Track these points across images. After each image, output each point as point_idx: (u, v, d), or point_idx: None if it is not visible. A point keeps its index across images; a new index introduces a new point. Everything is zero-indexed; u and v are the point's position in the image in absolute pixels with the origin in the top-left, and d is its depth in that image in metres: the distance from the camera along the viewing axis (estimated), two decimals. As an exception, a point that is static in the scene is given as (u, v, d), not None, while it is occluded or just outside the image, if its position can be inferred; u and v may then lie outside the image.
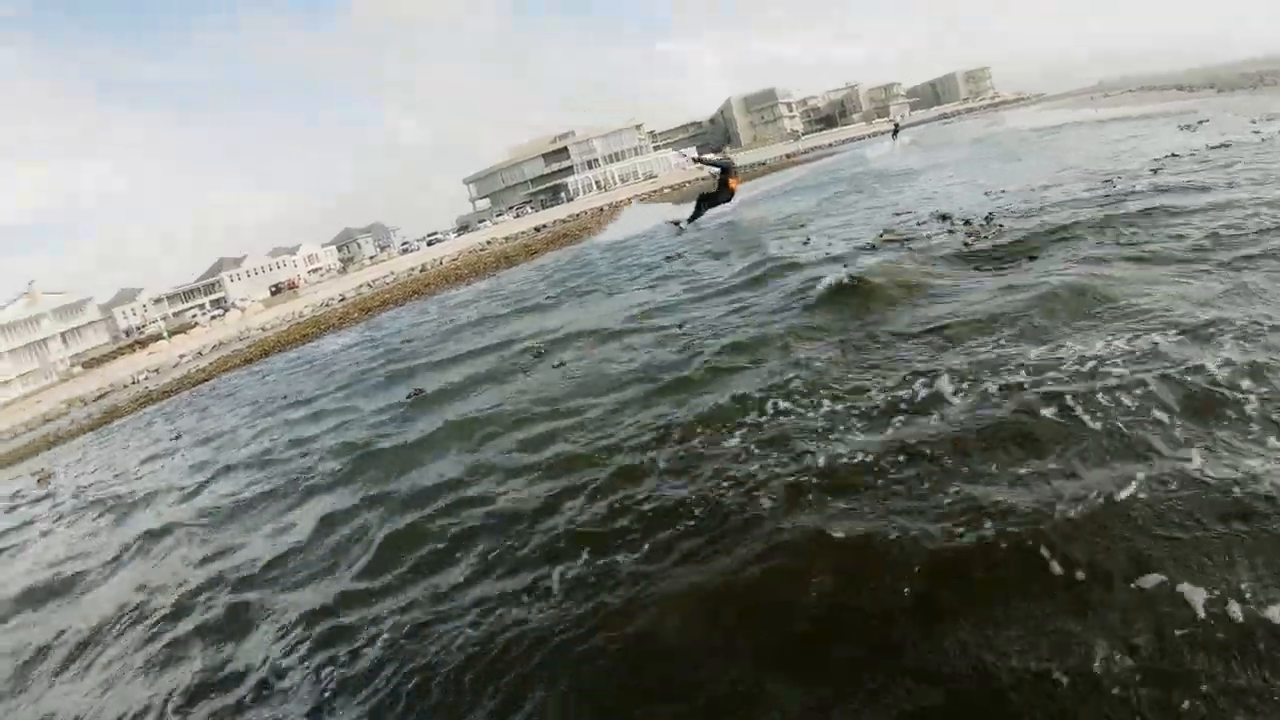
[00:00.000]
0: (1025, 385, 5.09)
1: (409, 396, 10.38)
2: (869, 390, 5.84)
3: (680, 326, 9.59)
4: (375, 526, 6.41)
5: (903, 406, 5.38)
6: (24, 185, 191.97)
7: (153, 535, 8.71)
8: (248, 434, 12.85)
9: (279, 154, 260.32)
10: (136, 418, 24.31)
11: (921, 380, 5.69)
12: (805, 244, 12.93)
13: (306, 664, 4.69)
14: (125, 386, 49.64)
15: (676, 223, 23.82)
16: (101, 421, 27.01)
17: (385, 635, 4.59)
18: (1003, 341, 6.03)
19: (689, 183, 74.88)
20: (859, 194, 20.30)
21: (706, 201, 23.08)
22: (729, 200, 22.77)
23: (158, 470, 12.79)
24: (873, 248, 10.99)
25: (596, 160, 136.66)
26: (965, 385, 5.40)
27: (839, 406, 5.68)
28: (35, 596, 8.34)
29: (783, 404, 6.04)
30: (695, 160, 24.45)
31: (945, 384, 5.48)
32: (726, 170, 22.60)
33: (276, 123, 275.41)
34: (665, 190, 65.97)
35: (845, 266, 9.75)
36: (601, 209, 62.28)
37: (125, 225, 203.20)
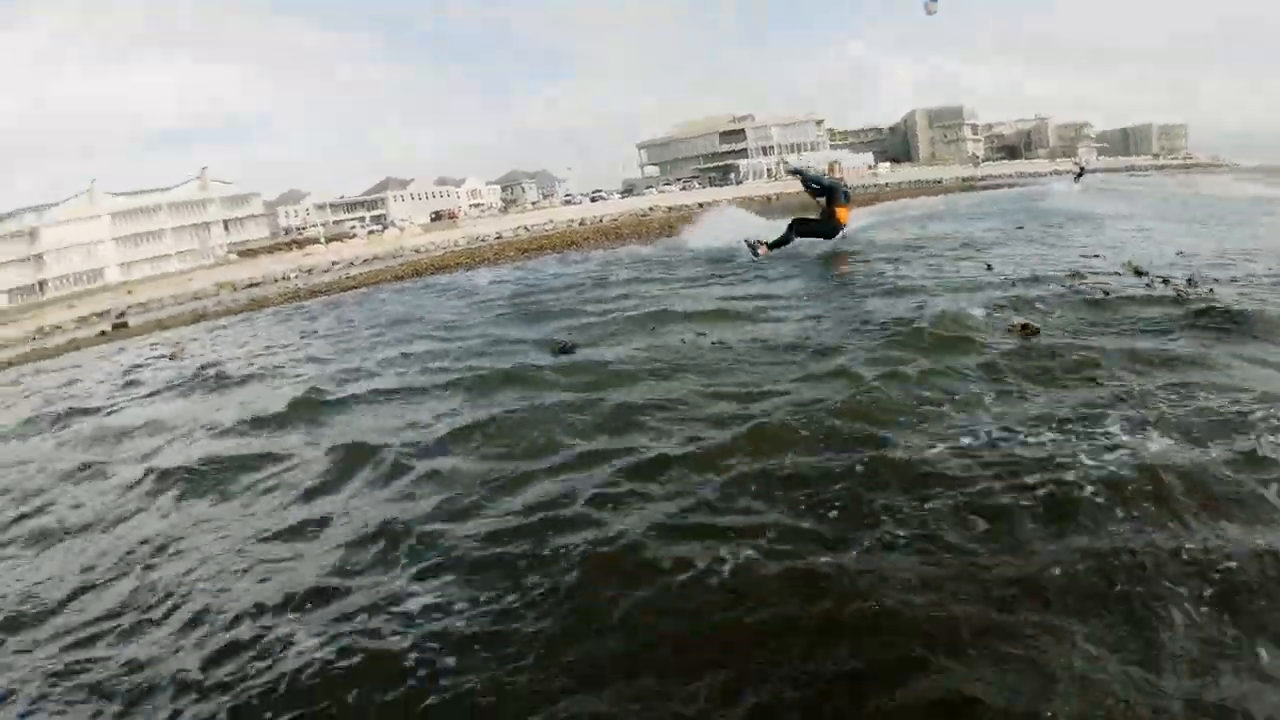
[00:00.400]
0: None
1: (558, 350, 9.79)
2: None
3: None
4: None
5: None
6: (214, 87, 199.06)
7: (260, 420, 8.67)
8: (379, 340, 13.15)
9: (458, 88, 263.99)
10: (280, 310, 24.58)
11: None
12: (989, 269, 11.91)
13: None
14: (275, 280, 50.99)
15: (754, 246, 17.10)
16: (247, 308, 27.54)
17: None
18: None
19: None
20: (1042, 230, 18.81)
21: (801, 226, 17.16)
22: (832, 234, 17.14)
23: (285, 359, 12.98)
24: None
25: (771, 148, 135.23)
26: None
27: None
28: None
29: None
30: (791, 173, 19.54)
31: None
32: (832, 194, 16.86)
33: (460, 58, 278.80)
34: (758, 200, 63.67)
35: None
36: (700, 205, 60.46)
37: (302, 134, 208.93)
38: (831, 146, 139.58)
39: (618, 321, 10.89)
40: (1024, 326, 7.61)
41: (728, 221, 23.85)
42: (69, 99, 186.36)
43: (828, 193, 16.83)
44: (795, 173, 18.27)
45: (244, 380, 11.50)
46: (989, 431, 5.19)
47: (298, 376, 10.92)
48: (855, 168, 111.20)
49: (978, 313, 8.34)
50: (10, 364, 29.43)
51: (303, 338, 15.75)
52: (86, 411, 11.65)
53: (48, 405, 13.25)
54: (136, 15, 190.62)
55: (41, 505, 7.27)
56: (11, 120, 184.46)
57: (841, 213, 17.01)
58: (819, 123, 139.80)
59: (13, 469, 8.98)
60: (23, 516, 7.08)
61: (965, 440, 5.09)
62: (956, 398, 5.93)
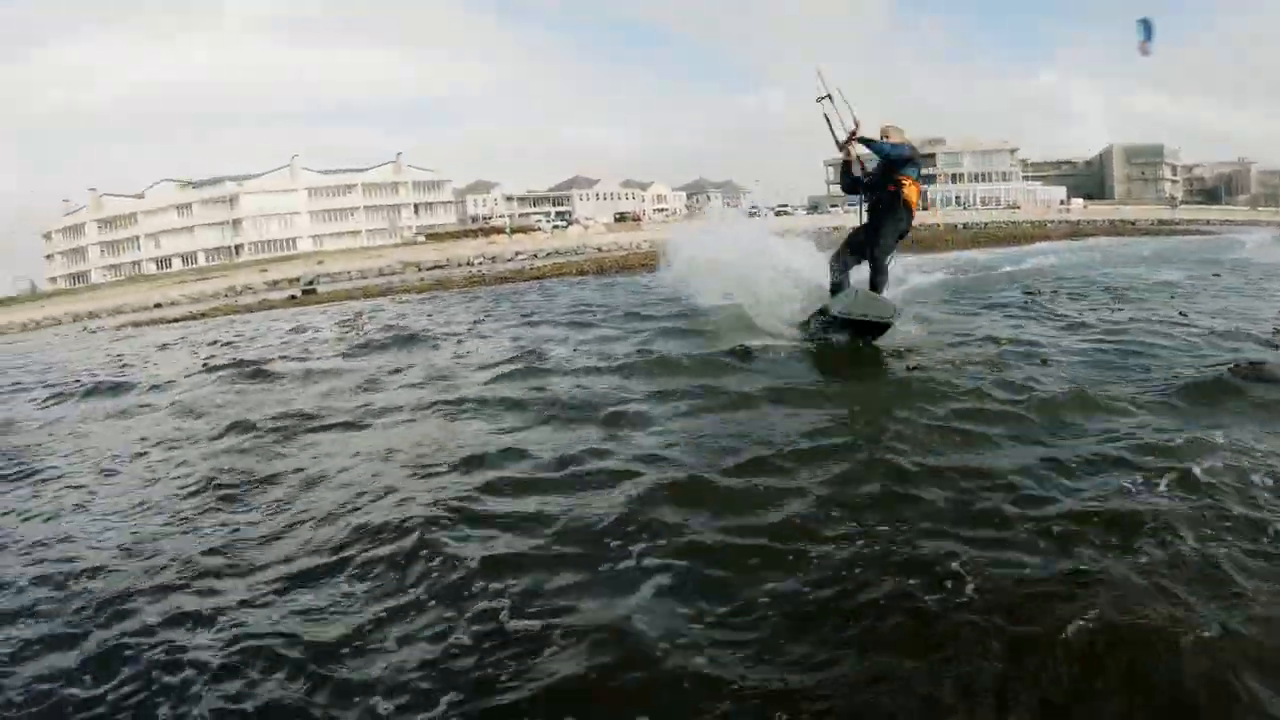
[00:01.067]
0: None
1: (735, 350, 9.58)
2: None
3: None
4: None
5: None
6: (417, 72, 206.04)
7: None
8: (555, 333, 13.11)
9: (650, 91, 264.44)
10: (462, 294, 24.66)
11: None
12: (1183, 316, 10.99)
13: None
14: (460, 265, 51.92)
15: (812, 319, 10.40)
16: (429, 288, 27.78)
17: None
18: None
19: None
20: (1240, 281, 16.97)
21: (856, 253, 10.81)
22: (907, 230, 10.88)
23: (483, 331, 13.55)
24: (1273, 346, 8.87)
25: (962, 175, 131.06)
26: None
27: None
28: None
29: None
30: (848, 142, 10.45)
31: None
32: (903, 165, 10.49)
33: (653, 61, 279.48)
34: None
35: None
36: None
37: (497, 125, 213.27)
38: (1024, 178, 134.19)
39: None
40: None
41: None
42: (274, 68, 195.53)
43: (898, 162, 10.40)
44: (854, 143, 10.34)
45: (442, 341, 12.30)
46: None
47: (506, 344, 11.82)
48: (1047, 202, 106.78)
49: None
50: (204, 315, 30.64)
51: (488, 318, 15.65)
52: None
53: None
54: (348, 8, 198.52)
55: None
56: (217, 89, 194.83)
57: (910, 192, 10.43)
58: (1012, 152, 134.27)
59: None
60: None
61: None
62: None
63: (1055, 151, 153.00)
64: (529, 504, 5.00)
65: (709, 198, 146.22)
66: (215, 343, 18.59)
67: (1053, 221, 71.11)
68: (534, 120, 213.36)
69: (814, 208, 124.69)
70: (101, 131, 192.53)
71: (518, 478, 5.51)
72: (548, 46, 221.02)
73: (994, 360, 8.40)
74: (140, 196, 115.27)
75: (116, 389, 12.06)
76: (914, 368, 8.32)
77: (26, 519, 6.01)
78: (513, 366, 9.80)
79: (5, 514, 6.20)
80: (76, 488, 6.68)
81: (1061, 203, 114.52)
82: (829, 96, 10.51)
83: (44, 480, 7.09)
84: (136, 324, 36.17)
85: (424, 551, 4.35)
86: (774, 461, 5.42)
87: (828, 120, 10.58)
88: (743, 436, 6.11)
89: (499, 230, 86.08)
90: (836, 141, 10.60)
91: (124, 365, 16.20)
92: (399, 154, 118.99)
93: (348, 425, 7.74)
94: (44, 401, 12.14)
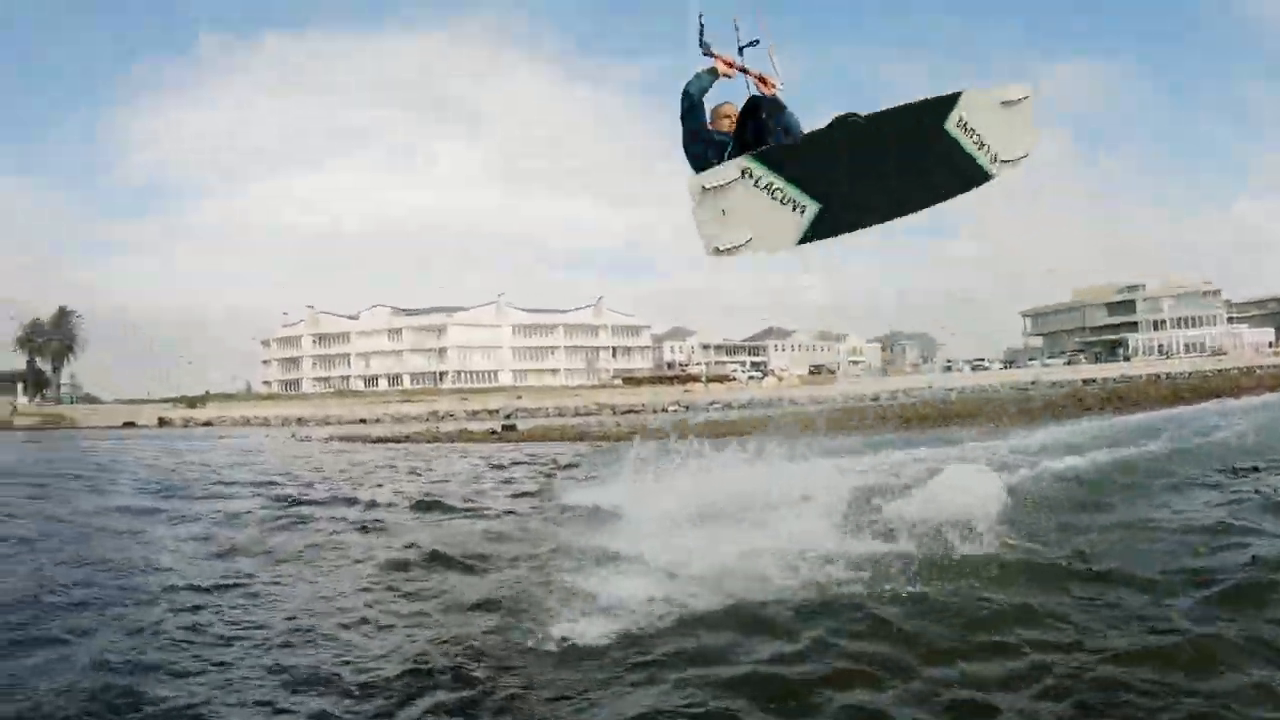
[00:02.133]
0: None
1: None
2: None
3: None
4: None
5: None
6: (625, 220, 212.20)
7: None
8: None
9: (841, 240, 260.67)
10: (664, 443, 24.10)
11: None
12: None
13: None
14: (655, 411, 52.10)
15: None
16: (625, 435, 27.47)
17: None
18: None
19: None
20: None
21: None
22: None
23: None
24: None
25: (1163, 321, 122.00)
26: None
27: None
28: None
29: None
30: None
31: None
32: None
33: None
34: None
35: None
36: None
37: (696, 274, 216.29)
38: (1229, 320, 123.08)
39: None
40: None
41: None
42: (481, 212, 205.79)
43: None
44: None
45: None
46: None
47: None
48: (1255, 345, 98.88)
49: None
50: (408, 439, 31.49)
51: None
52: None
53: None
54: (557, 152, 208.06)
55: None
56: (431, 225, 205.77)
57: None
58: (1215, 293, 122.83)
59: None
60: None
61: None
62: None
63: (1260, 288, 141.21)
64: None
65: (903, 350, 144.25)
66: (415, 472, 18.88)
67: (1262, 367, 64.21)
68: (731, 268, 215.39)
69: (1010, 361, 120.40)
70: (322, 253, 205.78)
71: None
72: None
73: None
74: (355, 317, 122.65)
75: (351, 502, 12.40)
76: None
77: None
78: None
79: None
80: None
81: (1270, 345, 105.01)
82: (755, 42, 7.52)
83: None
84: (345, 438, 37.63)
85: None
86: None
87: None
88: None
89: (695, 378, 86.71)
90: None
91: (348, 480, 16.55)
92: (600, 298, 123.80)
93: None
94: (285, 504, 12.83)
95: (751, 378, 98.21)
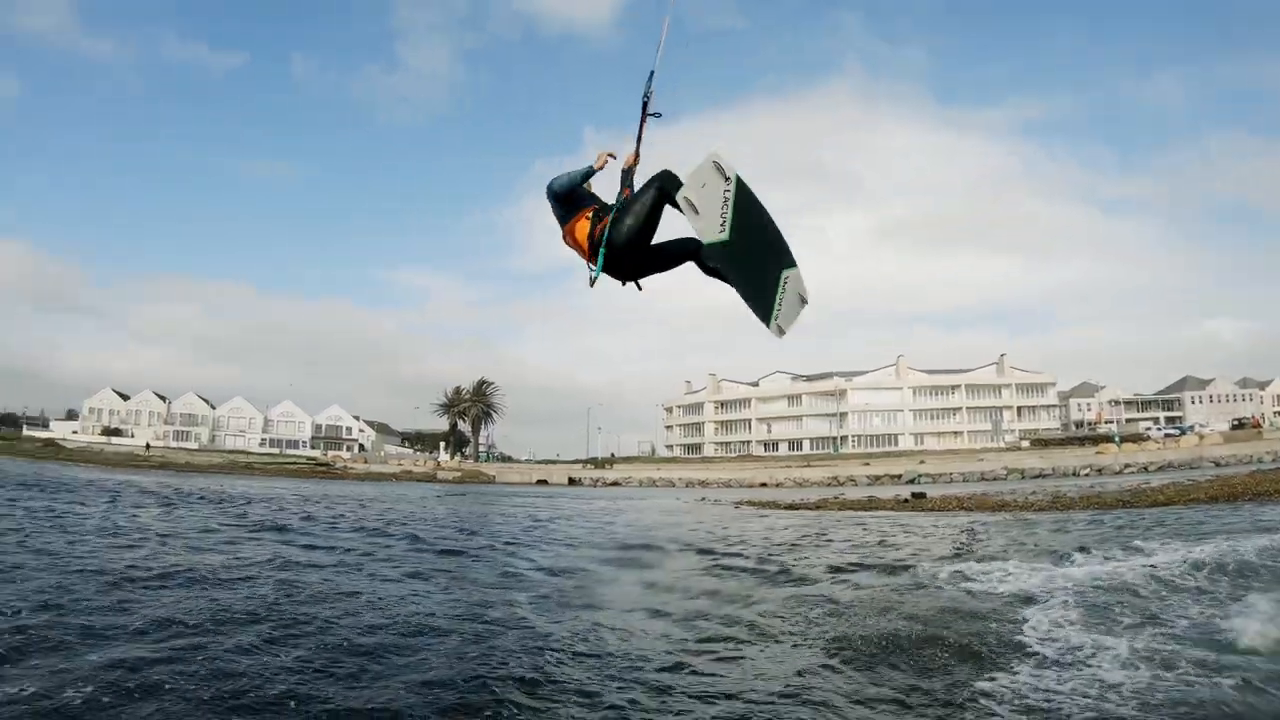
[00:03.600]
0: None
1: None
2: None
3: None
4: None
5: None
6: (1023, 274, 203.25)
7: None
8: None
9: (1257, 272, 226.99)
10: (1097, 517, 22.68)
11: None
12: None
13: None
14: (1065, 475, 49.82)
15: None
16: (1050, 506, 26.27)
17: None
18: None
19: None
20: None
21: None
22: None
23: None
24: None
25: None
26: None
27: None
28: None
29: None
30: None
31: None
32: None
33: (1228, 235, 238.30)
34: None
35: None
36: None
37: (1101, 326, 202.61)
38: None
39: None
40: None
41: None
42: (869, 274, 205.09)
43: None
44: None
45: None
46: None
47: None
48: None
49: None
50: (818, 507, 32.15)
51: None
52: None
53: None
54: (955, 217, 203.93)
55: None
56: (826, 289, 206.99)
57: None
58: None
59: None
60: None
61: None
62: None
63: None
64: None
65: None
66: (853, 543, 18.53)
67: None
68: (1142, 316, 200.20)
69: None
70: (720, 327, 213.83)
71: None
72: (1157, 239, 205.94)
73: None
74: (755, 384, 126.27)
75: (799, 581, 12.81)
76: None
77: None
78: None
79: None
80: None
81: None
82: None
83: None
84: (751, 503, 38.88)
85: None
86: None
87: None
88: None
89: (1106, 439, 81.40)
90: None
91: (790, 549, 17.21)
92: (1002, 355, 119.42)
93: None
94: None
95: (1168, 435, 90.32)
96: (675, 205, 6.43)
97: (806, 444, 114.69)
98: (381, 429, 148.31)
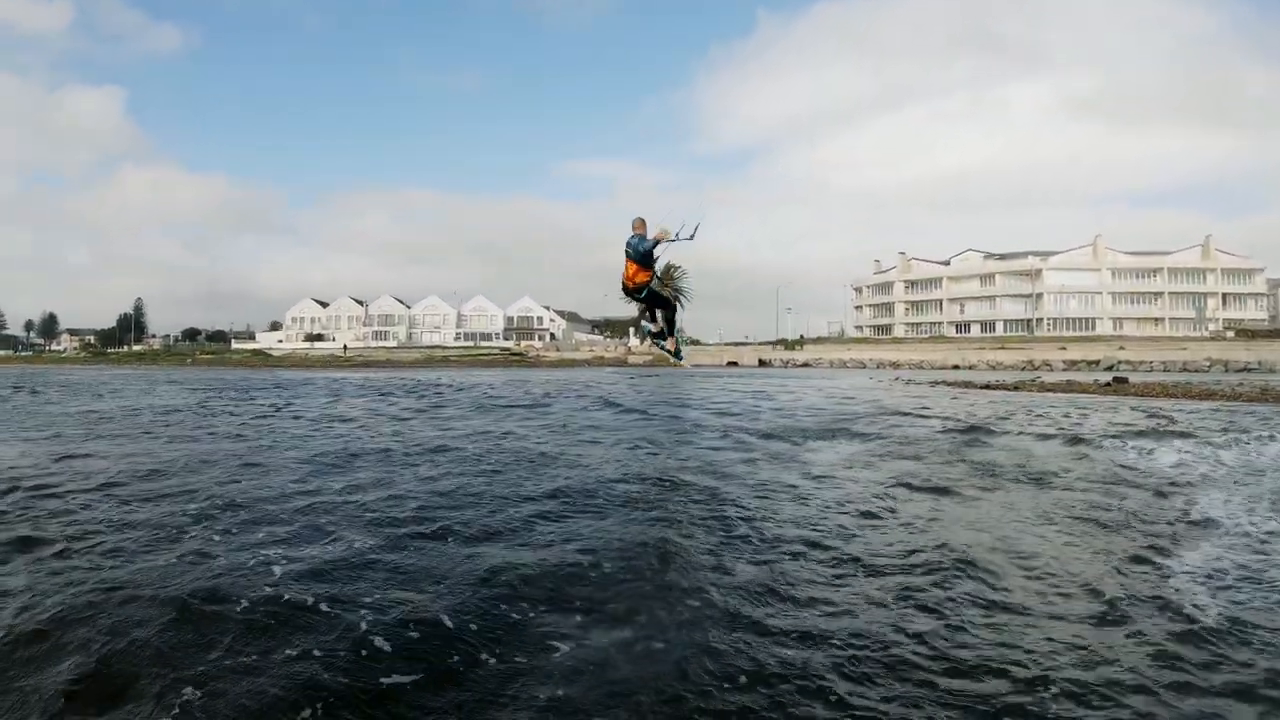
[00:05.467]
0: None
1: None
2: None
3: None
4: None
5: None
6: (1222, 146, 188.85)
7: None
8: None
9: None
10: None
11: None
12: None
13: None
14: (1273, 370, 47.80)
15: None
16: (1256, 397, 25.36)
17: None
18: None
19: None
20: None
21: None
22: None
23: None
24: None
25: None
26: None
27: None
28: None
29: None
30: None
31: None
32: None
33: None
34: None
35: None
36: None
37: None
38: None
39: None
40: None
41: None
42: (1070, 149, 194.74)
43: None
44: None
45: None
46: None
47: None
48: None
49: None
50: (1016, 387, 32.06)
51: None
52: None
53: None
54: (1154, 86, 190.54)
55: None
56: (1015, 162, 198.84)
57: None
58: None
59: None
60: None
61: None
62: None
63: None
64: None
65: None
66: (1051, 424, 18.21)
67: None
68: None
69: None
70: (906, 205, 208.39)
71: None
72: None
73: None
74: (946, 263, 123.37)
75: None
76: None
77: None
78: None
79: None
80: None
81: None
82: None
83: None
84: (946, 383, 39.06)
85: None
86: None
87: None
88: None
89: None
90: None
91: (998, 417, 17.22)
92: (1208, 236, 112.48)
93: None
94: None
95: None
96: (659, 296, 13.37)
97: (1000, 325, 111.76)
98: (572, 318, 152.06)
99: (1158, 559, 6.76)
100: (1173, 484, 10.03)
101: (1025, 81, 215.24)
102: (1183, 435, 14.94)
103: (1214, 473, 10.91)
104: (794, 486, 9.88)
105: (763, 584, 5.98)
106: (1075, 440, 14.18)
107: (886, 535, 7.62)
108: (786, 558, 6.75)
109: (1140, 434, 15.23)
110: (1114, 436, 14.83)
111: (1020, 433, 15.60)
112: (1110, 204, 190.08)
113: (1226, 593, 5.86)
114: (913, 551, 6.98)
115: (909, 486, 9.95)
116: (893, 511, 8.58)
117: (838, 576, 6.28)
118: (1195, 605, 5.50)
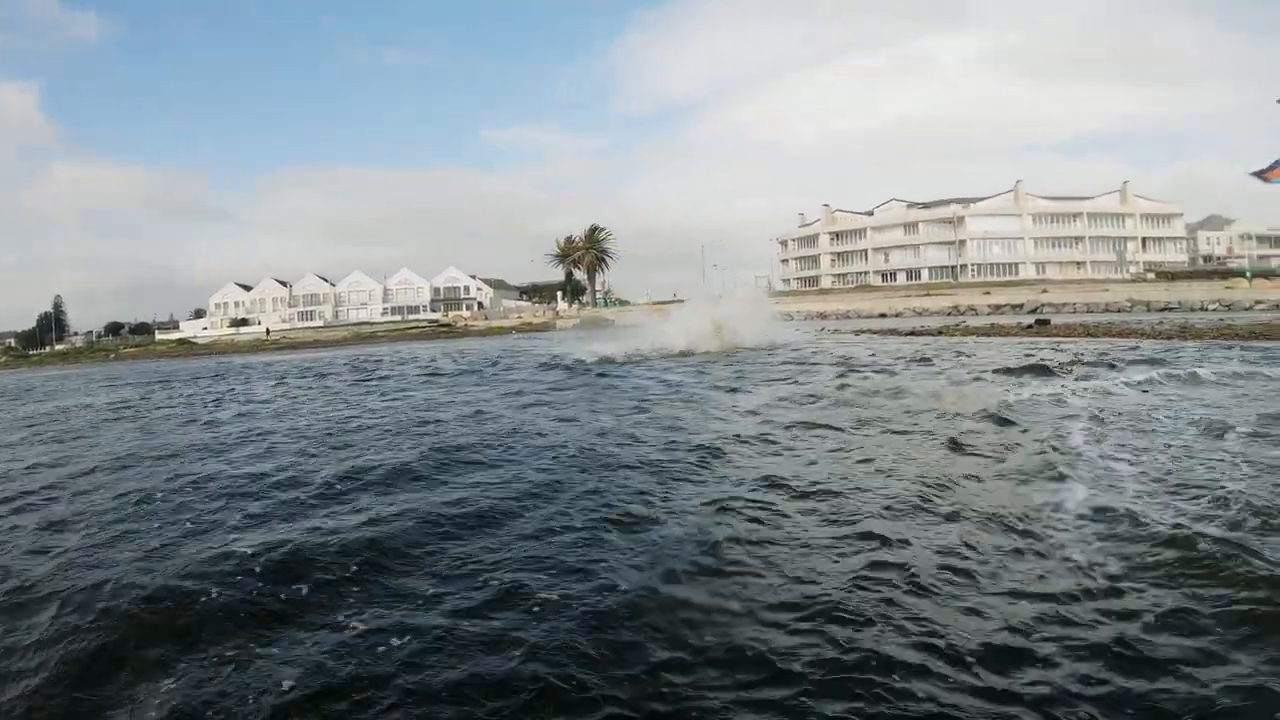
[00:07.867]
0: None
1: None
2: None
3: None
4: None
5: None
6: (1152, 106, 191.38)
7: None
8: None
9: None
10: (1221, 343, 22.29)
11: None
12: None
13: None
14: (1192, 309, 48.06)
15: None
16: (1176, 334, 25.62)
17: None
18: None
19: None
20: None
21: None
22: None
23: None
24: None
25: None
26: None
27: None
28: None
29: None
30: None
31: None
32: None
33: None
34: None
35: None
36: None
37: (1235, 154, 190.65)
38: None
39: None
40: None
41: None
42: (993, 102, 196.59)
43: None
44: None
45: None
46: None
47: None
48: None
49: None
50: (941, 332, 31.75)
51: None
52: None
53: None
54: (1069, 39, 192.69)
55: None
56: (940, 115, 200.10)
57: None
58: None
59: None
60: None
61: None
62: None
63: None
64: None
65: None
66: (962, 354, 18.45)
67: None
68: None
69: None
70: (833, 160, 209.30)
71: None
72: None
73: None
74: (870, 214, 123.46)
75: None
76: None
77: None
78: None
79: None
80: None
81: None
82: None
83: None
84: (870, 331, 38.65)
85: None
86: None
87: None
88: None
89: (1237, 274, 77.27)
90: None
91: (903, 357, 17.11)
92: (1125, 182, 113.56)
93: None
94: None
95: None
96: None
97: (925, 273, 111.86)
98: (498, 285, 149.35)
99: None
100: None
101: (947, 35, 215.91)
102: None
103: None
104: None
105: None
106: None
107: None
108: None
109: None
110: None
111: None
112: (1029, 154, 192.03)
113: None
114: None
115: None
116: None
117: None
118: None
